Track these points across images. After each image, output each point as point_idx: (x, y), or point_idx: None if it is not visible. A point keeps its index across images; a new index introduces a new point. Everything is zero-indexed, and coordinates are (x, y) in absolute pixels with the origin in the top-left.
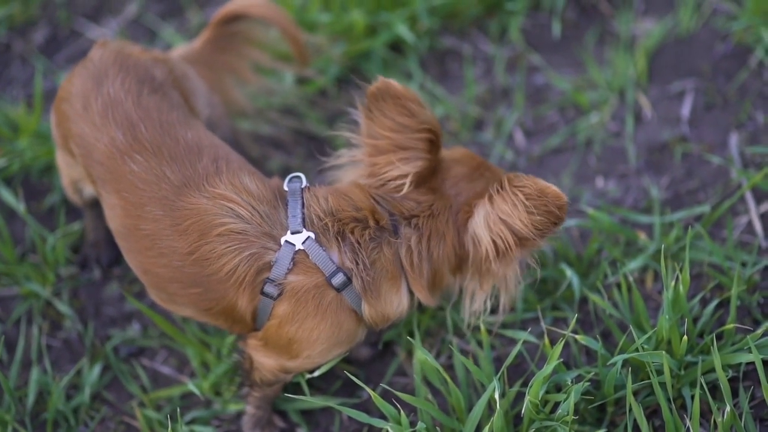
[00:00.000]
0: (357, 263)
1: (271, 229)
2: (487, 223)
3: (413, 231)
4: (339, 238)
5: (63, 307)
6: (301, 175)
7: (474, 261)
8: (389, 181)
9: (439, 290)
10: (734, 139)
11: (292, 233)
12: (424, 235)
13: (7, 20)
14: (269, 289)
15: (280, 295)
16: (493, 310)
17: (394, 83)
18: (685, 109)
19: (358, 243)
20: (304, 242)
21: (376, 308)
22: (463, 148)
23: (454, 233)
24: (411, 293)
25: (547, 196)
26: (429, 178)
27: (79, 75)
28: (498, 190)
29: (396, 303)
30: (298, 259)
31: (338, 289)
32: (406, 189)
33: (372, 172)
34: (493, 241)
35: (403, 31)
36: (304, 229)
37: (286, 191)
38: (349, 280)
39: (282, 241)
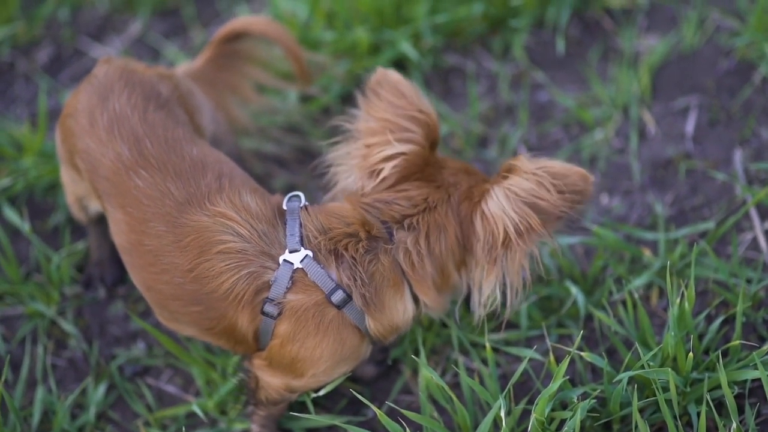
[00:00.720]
0: (355, 279)
1: (270, 248)
2: (506, 201)
3: (408, 232)
4: (334, 256)
5: (68, 326)
6: (300, 194)
7: (483, 247)
8: (381, 162)
9: (447, 290)
10: (738, 156)
11: (291, 252)
12: (422, 233)
13: (11, 39)
14: (269, 308)
15: (280, 314)
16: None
17: (393, 72)
18: (689, 126)
19: (353, 258)
20: (302, 261)
21: (381, 321)
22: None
23: (456, 224)
24: (416, 299)
25: (573, 175)
26: (423, 167)
27: (85, 91)
28: (515, 170)
29: (401, 310)
30: (297, 277)
31: (338, 306)
32: (392, 177)
33: (365, 155)
34: (514, 221)
35: (407, 48)
36: (302, 248)
37: (285, 210)
38: (349, 297)
39: (280, 260)
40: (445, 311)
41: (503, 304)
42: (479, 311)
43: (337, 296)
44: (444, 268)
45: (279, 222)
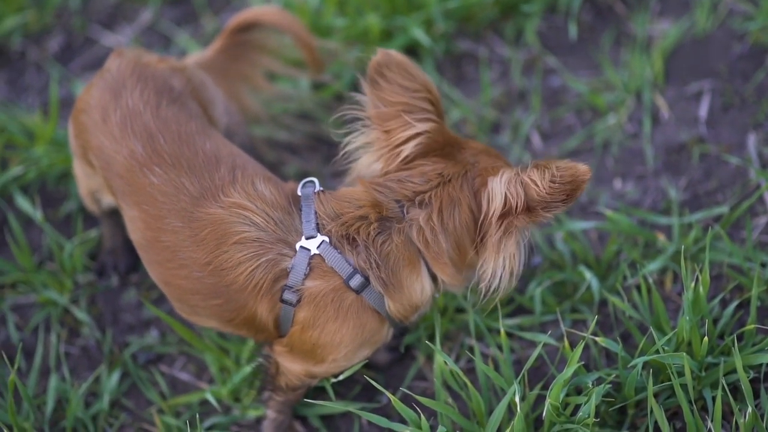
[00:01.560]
0: (370, 262)
1: (286, 236)
2: (506, 181)
3: (420, 210)
4: (347, 241)
5: (81, 314)
6: (315, 179)
7: (483, 221)
8: (403, 143)
9: (464, 267)
10: (752, 140)
11: (307, 238)
12: (434, 209)
13: (22, 28)
14: (288, 296)
15: (299, 301)
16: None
17: (394, 52)
18: (703, 110)
19: (366, 241)
20: (319, 246)
21: (401, 302)
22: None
23: (470, 197)
24: (434, 277)
25: (575, 168)
26: (444, 146)
27: (97, 86)
28: (535, 164)
29: (419, 289)
30: (315, 263)
31: (357, 291)
32: (413, 153)
33: (386, 139)
34: (503, 199)
35: (418, 34)
36: (318, 234)
37: (299, 196)
38: (367, 281)
39: (297, 246)
40: (464, 289)
41: (495, 287)
42: (479, 288)
43: (356, 281)
44: (460, 244)
45: (294, 209)
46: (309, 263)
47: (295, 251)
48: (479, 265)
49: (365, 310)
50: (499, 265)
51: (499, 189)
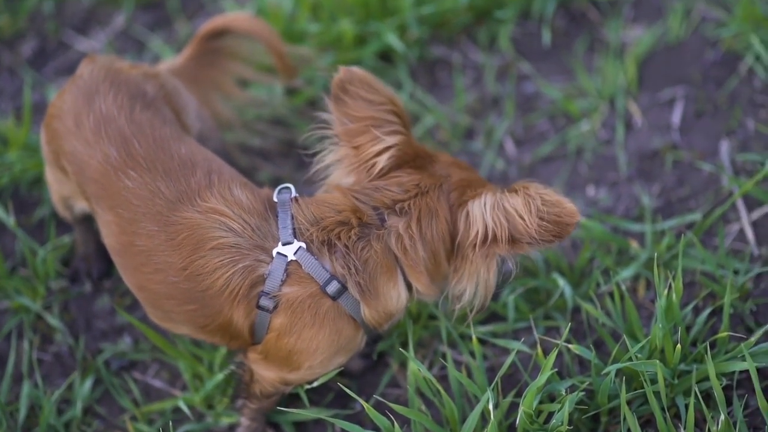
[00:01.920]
0: (349, 267)
1: (263, 242)
2: (489, 207)
3: (400, 217)
4: (327, 246)
5: (54, 320)
6: (291, 186)
7: (460, 243)
8: (375, 157)
9: (438, 278)
10: (725, 147)
11: (284, 244)
12: (413, 218)
13: None
14: (264, 302)
15: (275, 307)
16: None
17: (356, 68)
18: (676, 117)
19: (346, 246)
20: (295, 252)
21: (376, 308)
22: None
23: (446, 209)
24: (409, 286)
25: (563, 208)
26: (414, 157)
27: (70, 92)
28: (515, 189)
29: (395, 297)
30: (291, 270)
31: (334, 297)
32: (387, 165)
33: (357, 155)
34: (486, 227)
35: (392, 40)
36: (295, 240)
37: (276, 203)
38: (344, 287)
39: (274, 252)
40: (437, 298)
41: (471, 303)
42: (451, 304)
43: (332, 287)
44: (436, 254)
45: (270, 215)
46: (286, 269)
47: (272, 257)
48: (453, 283)
49: (341, 316)
50: (474, 285)
51: (480, 215)
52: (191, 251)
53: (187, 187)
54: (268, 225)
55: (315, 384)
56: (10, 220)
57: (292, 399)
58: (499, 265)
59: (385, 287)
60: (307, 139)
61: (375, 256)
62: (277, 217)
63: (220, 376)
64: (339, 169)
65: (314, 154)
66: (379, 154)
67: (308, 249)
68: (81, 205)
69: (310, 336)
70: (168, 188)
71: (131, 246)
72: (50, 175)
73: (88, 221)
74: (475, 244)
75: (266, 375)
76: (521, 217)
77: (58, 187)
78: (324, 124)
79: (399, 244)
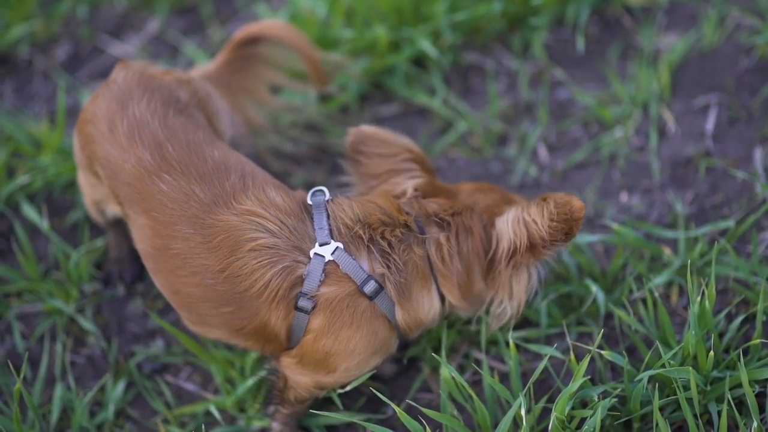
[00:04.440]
0: (389, 266)
1: (300, 242)
2: (511, 221)
3: (440, 229)
4: (370, 244)
5: (86, 323)
6: (324, 188)
7: (493, 259)
8: (401, 193)
9: (471, 293)
10: (759, 154)
11: (321, 245)
12: (453, 231)
13: (30, 37)
14: (303, 303)
15: (314, 308)
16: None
17: (366, 127)
18: (709, 124)
19: (390, 245)
20: (333, 252)
21: (409, 311)
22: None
23: (480, 228)
24: (442, 297)
25: (570, 205)
26: (435, 193)
27: (104, 97)
28: (536, 201)
29: (427, 306)
30: (329, 270)
31: (371, 297)
32: (412, 194)
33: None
34: (509, 240)
35: (426, 46)
36: (332, 240)
37: (310, 205)
38: (380, 287)
39: (311, 253)
40: (469, 315)
41: (505, 315)
42: (492, 322)
43: (370, 287)
44: (470, 270)
45: (306, 216)
46: (324, 269)
47: (310, 258)
48: (492, 301)
49: (377, 316)
50: (509, 298)
51: (505, 230)
52: (229, 253)
53: (221, 190)
54: (304, 226)
55: (348, 388)
56: (44, 224)
57: (323, 403)
58: (531, 275)
59: (419, 293)
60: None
61: (414, 259)
62: (312, 218)
63: (250, 382)
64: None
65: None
66: (404, 192)
67: (346, 249)
68: (113, 209)
69: (347, 336)
70: (203, 191)
71: (166, 249)
72: (83, 180)
73: (120, 225)
74: (503, 258)
75: (301, 380)
76: (534, 222)
77: (90, 192)
78: (348, 183)
79: (438, 252)
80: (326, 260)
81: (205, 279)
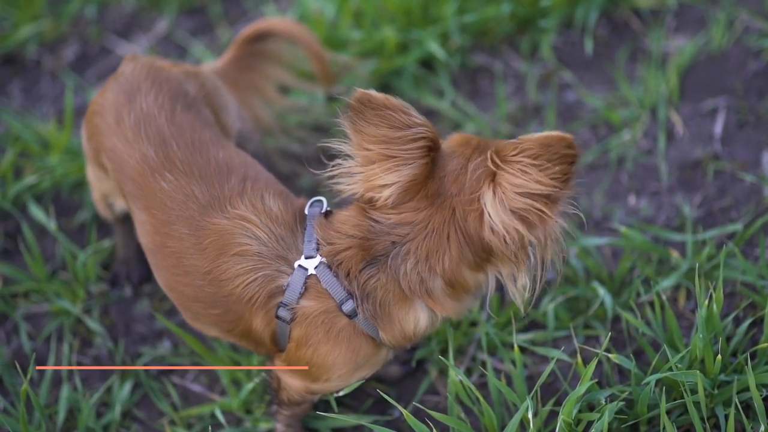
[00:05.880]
0: (356, 294)
1: (286, 253)
2: (505, 208)
3: (405, 258)
4: (339, 267)
5: (93, 324)
6: (323, 199)
7: (506, 253)
8: (380, 188)
9: (465, 294)
10: (767, 157)
11: (306, 258)
12: (421, 259)
13: (38, 37)
14: (283, 313)
15: (293, 319)
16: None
17: (374, 93)
18: (718, 127)
19: (352, 274)
20: (316, 267)
21: (392, 333)
22: (458, 135)
23: (461, 239)
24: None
25: (553, 145)
26: (426, 182)
27: (112, 89)
28: (497, 167)
29: (412, 322)
30: (310, 284)
31: (350, 316)
32: (391, 200)
33: (366, 179)
34: (522, 219)
35: (434, 48)
36: (317, 255)
37: (306, 215)
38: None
39: (295, 265)
40: (466, 312)
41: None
42: (517, 300)
43: (348, 306)
44: (454, 280)
45: (299, 227)
46: (305, 283)
47: (293, 269)
48: (512, 282)
49: (358, 335)
50: (544, 261)
51: (505, 219)
52: (216, 256)
53: (220, 192)
54: (293, 237)
55: (341, 393)
56: (51, 224)
57: (331, 405)
58: (557, 229)
59: (400, 313)
60: (324, 148)
61: (382, 286)
62: (305, 229)
63: (255, 382)
64: (347, 181)
65: (331, 158)
66: (385, 186)
67: (329, 265)
68: (121, 204)
69: (325, 351)
70: (202, 193)
71: (163, 247)
72: (91, 173)
73: (128, 222)
74: (527, 239)
75: (292, 383)
76: (535, 185)
77: (98, 185)
78: (343, 138)
79: (405, 281)
80: (308, 274)
81: (195, 280)
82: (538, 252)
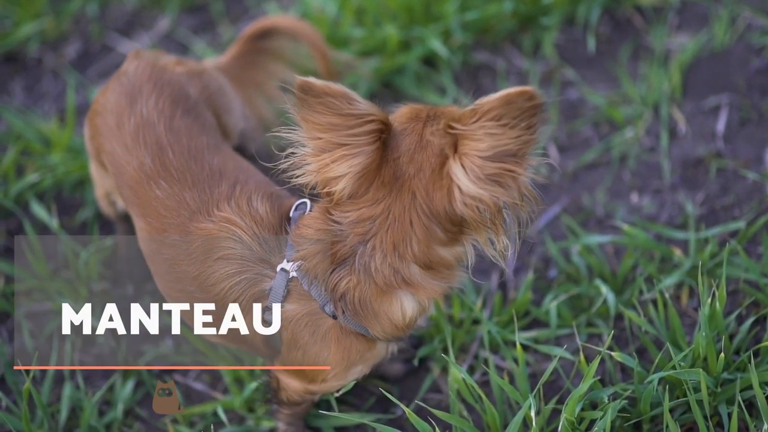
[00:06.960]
0: (330, 296)
1: (269, 256)
2: (478, 176)
3: (372, 254)
4: (307, 272)
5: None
6: (307, 201)
7: (479, 221)
8: (334, 180)
9: (448, 269)
10: None
11: (288, 261)
12: (389, 251)
13: (40, 35)
14: (268, 317)
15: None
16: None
17: (313, 81)
18: (720, 125)
19: (318, 278)
20: (297, 270)
21: (382, 326)
22: (405, 108)
23: (425, 221)
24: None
25: (515, 101)
26: (380, 168)
27: (114, 90)
28: (459, 136)
29: (399, 313)
30: (292, 287)
31: (334, 316)
32: (347, 192)
33: (318, 169)
34: (496, 183)
35: (436, 45)
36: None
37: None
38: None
39: (277, 268)
40: (459, 285)
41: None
42: (501, 262)
43: (330, 307)
44: (430, 262)
45: (284, 229)
46: (287, 286)
47: (276, 272)
48: (492, 246)
49: (346, 334)
50: (521, 217)
51: (476, 192)
52: (202, 260)
53: (209, 197)
54: (277, 239)
55: (339, 393)
56: (53, 222)
57: (332, 404)
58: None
59: (383, 307)
60: (275, 140)
61: (355, 286)
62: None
63: (253, 383)
64: (301, 170)
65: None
66: (337, 178)
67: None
68: (123, 202)
69: (315, 353)
70: (193, 199)
71: (158, 254)
72: (94, 170)
73: (130, 219)
74: (501, 203)
75: (290, 383)
76: (504, 145)
77: (101, 182)
78: (291, 129)
79: (378, 276)
80: (290, 276)
81: (187, 286)
82: (512, 211)
